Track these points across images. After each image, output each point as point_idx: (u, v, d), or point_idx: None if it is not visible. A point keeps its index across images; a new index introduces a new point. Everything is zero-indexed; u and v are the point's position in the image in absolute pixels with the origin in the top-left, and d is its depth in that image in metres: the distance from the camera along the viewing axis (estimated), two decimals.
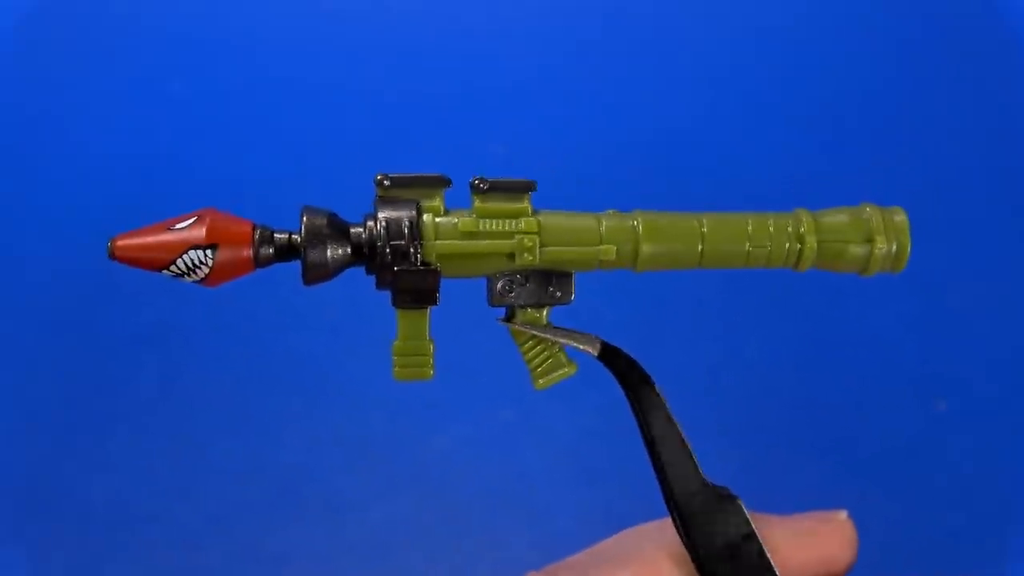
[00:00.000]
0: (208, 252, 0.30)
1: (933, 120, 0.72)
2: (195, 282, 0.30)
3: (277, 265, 0.32)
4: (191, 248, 0.29)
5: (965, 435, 0.67)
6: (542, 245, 0.31)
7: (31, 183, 0.69)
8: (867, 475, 0.67)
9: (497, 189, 0.31)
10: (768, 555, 0.33)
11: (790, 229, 0.33)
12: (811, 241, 0.33)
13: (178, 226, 0.30)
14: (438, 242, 0.31)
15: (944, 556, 0.65)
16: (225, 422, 0.66)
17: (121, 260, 0.30)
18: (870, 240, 0.33)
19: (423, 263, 0.30)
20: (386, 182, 0.31)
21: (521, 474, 0.65)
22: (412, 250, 0.30)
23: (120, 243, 0.30)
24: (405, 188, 0.31)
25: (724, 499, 0.33)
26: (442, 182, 0.32)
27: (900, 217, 0.33)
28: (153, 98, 0.70)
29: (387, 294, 0.32)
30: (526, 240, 0.31)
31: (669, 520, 0.34)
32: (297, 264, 0.30)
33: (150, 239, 0.30)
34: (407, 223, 0.30)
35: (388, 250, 0.30)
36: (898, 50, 0.73)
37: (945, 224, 0.70)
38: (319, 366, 0.67)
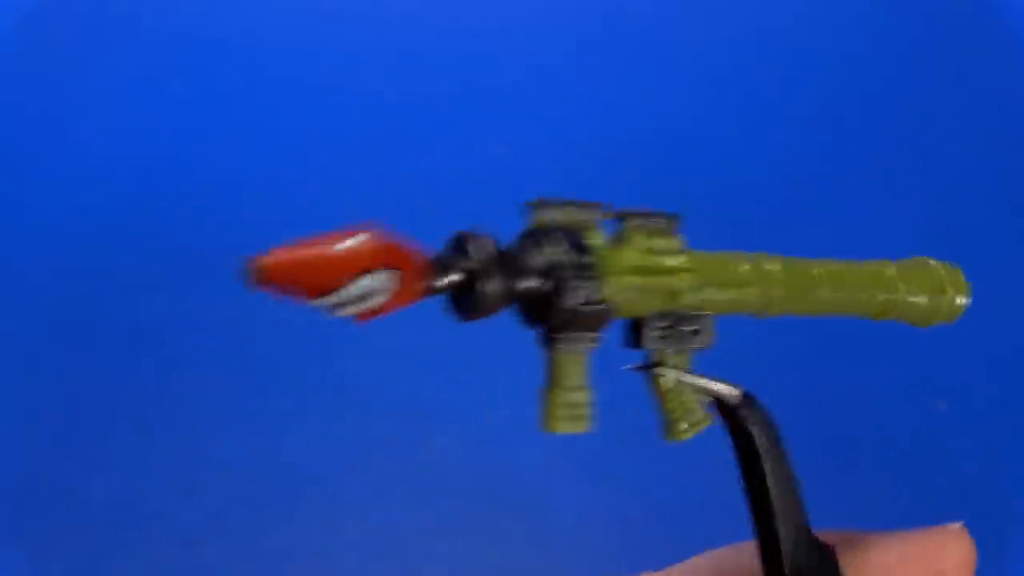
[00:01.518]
0: (388, 277, 0.24)
1: (933, 120, 0.72)
2: (349, 315, 0.24)
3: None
4: (369, 271, 0.24)
5: (965, 435, 0.67)
6: (700, 285, 0.30)
7: (30, 183, 0.69)
8: (867, 475, 0.67)
9: (645, 219, 0.29)
10: None
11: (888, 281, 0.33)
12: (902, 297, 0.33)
13: (346, 244, 0.24)
14: (611, 278, 0.28)
15: None
16: (225, 421, 0.66)
17: (272, 281, 0.23)
18: (943, 292, 0.33)
19: (598, 301, 0.28)
20: (543, 212, 0.28)
21: (520, 473, 0.65)
22: (591, 288, 0.27)
23: (272, 261, 0.23)
24: (560, 216, 0.28)
25: (822, 549, 0.31)
26: (597, 210, 0.29)
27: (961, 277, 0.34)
28: (153, 98, 0.70)
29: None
30: (685, 278, 0.29)
31: (743, 546, 0.33)
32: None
33: (313, 256, 0.23)
34: (581, 258, 0.27)
35: (568, 286, 0.27)
36: (898, 50, 0.73)
37: (945, 224, 0.70)
38: (319, 365, 0.67)
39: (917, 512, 0.66)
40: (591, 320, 0.28)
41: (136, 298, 0.67)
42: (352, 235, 0.24)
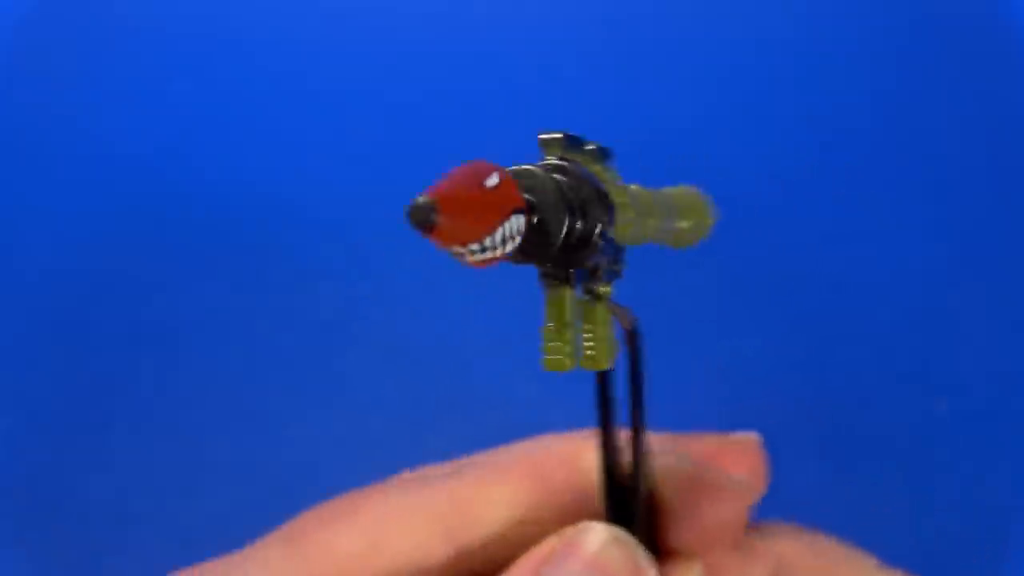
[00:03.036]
0: (523, 219, 0.22)
1: (934, 120, 0.72)
2: (476, 262, 0.22)
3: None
4: (514, 213, 0.22)
5: (965, 435, 0.67)
6: (637, 217, 0.29)
7: (29, 182, 0.69)
8: (866, 475, 0.67)
9: (608, 156, 0.28)
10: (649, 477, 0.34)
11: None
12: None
13: (488, 182, 0.21)
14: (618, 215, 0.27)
15: (944, 557, 0.65)
16: (225, 421, 0.66)
17: (443, 228, 0.20)
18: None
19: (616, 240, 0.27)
20: (565, 141, 0.26)
21: None
22: (610, 228, 0.26)
23: (447, 194, 0.20)
24: (576, 153, 0.27)
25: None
26: (588, 144, 0.27)
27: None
28: (154, 97, 0.70)
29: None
30: (631, 212, 0.28)
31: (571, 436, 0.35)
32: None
33: (473, 199, 0.21)
34: (604, 198, 0.26)
35: (598, 227, 0.25)
36: (898, 50, 0.73)
37: (945, 223, 0.70)
38: (319, 365, 0.67)
39: (917, 512, 0.66)
40: (611, 260, 0.27)
41: (136, 298, 0.67)
42: (476, 172, 0.22)
